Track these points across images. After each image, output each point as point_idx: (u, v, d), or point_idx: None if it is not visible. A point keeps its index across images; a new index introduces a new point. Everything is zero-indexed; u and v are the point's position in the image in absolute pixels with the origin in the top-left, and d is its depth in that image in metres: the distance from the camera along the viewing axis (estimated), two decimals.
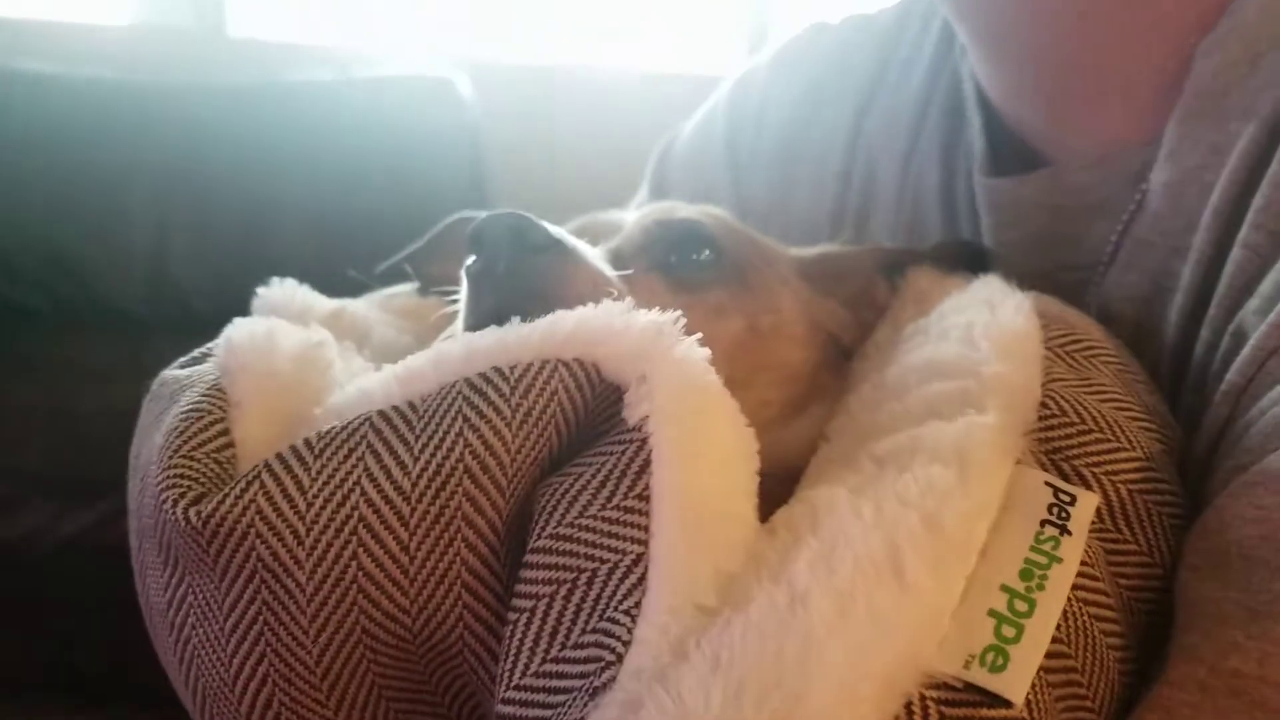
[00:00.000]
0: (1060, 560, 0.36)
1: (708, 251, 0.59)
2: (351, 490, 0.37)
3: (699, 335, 0.42)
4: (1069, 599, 0.36)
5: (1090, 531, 0.40)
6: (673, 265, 0.57)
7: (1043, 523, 0.37)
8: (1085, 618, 0.37)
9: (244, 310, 0.52)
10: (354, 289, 0.64)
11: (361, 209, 1.67)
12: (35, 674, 1.41)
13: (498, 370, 0.39)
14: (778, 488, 0.42)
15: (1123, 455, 0.43)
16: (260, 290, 0.54)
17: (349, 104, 1.77)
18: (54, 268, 1.70)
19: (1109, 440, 0.43)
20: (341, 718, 0.39)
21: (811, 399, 0.59)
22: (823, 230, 0.80)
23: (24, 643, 1.40)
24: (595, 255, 0.52)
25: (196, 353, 0.49)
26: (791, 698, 0.30)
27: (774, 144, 0.86)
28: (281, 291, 0.53)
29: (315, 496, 0.37)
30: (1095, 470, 0.42)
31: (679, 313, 0.42)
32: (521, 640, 0.36)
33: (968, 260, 0.66)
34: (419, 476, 0.37)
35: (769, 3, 2.00)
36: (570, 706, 0.34)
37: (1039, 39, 0.59)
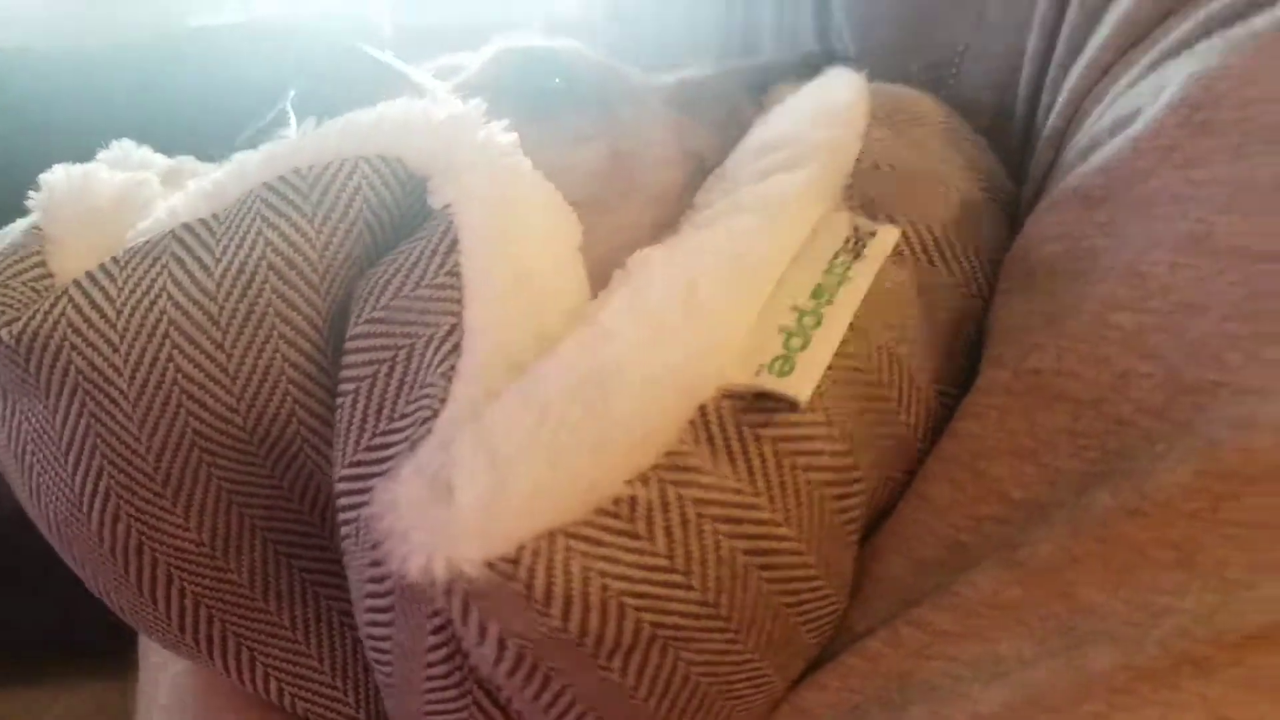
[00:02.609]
0: (850, 280, 0.37)
1: (558, 79, 0.58)
2: (159, 296, 0.38)
3: (505, 123, 0.42)
4: (869, 319, 0.38)
5: (902, 266, 0.42)
6: (524, 94, 0.57)
7: (837, 252, 0.38)
8: (888, 339, 0.39)
9: None
10: None
11: None
12: None
13: (295, 171, 0.40)
14: None
15: (937, 199, 0.44)
16: (100, 154, 0.53)
17: (260, 49, 1.71)
18: None
19: (924, 189, 0.45)
20: (194, 524, 0.40)
21: (680, 218, 0.59)
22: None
23: None
24: (431, 80, 0.52)
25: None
26: (592, 411, 0.32)
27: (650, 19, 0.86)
28: (119, 150, 0.53)
29: (124, 305, 0.38)
30: (909, 214, 0.43)
31: (481, 101, 0.42)
32: (349, 421, 0.38)
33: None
34: (222, 277, 0.38)
35: None
36: (395, 466, 0.35)
37: None
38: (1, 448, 0.42)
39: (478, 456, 0.31)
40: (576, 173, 0.52)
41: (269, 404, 0.39)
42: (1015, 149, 0.57)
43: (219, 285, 0.38)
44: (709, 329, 0.34)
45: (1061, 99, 0.49)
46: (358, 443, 0.37)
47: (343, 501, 0.37)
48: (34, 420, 0.39)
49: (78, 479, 0.39)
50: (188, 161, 0.56)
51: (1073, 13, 0.52)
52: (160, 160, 0.55)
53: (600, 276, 0.40)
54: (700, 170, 0.62)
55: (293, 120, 0.49)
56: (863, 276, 0.37)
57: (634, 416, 0.32)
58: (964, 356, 0.43)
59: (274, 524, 0.42)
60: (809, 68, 0.65)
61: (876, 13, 0.66)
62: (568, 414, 0.32)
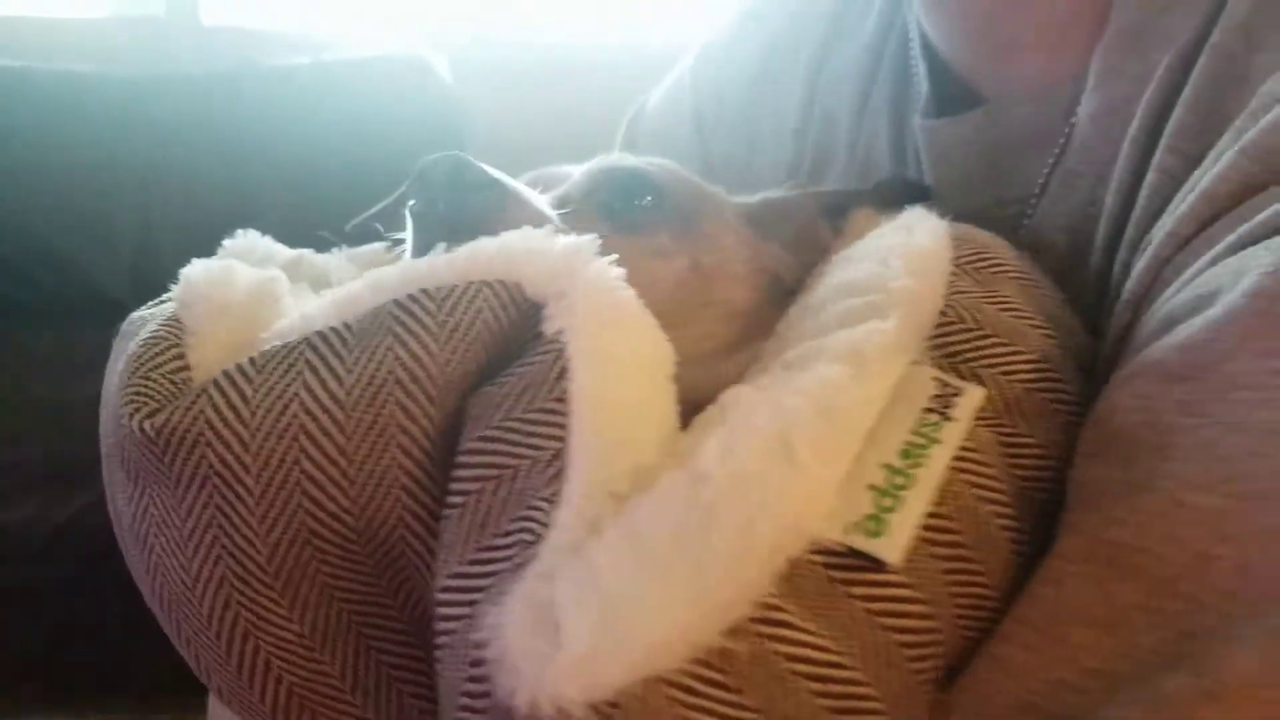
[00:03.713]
0: (939, 441, 0.39)
1: (650, 197, 0.62)
2: (291, 400, 0.41)
3: (616, 256, 0.45)
4: (954, 480, 0.39)
5: (985, 425, 0.43)
6: (615, 210, 0.60)
7: (926, 410, 0.40)
8: (971, 498, 0.40)
9: None
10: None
11: (344, 190, 1.70)
12: (29, 663, 1.42)
13: (424, 291, 0.43)
14: None
15: (1019, 357, 0.46)
16: (226, 242, 0.57)
17: (326, 87, 1.79)
18: (41, 261, 1.71)
19: (1005, 345, 0.46)
20: (295, 616, 0.43)
21: (754, 336, 0.62)
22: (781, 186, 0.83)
23: (18, 632, 1.42)
24: (534, 195, 0.55)
25: (164, 296, 0.53)
26: (692, 562, 0.34)
27: (736, 108, 0.89)
28: (245, 241, 0.57)
29: (258, 407, 0.40)
30: (990, 371, 0.45)
31: (595, 236, 0.45)
32: (455, 533, 0.40)
33: (908, 199, 0.68)
34: (353, 387, 0.41)
35: None
36: (497, 586, 0.37)
37: None
38: (125, 526, 0.45)
39: (585, 597, 0.33)
40: (659, 285, 0.55)
41: (380, 508, 0.41)
42: (1089, 297, 0.58)
43: (349, 394, 0.41)
44: (801, 483, 0.36)
45: (1141, 264, 0.51)
46: (461, 555, 0.39)
47: (444, 611, 0.39)
48: (161, 507, 0.42)
49: (195, 564, 0.42)
50: (308, 254, 0.60)
51: (1152, 176, 0.54)
52: (281, 250, 0.59)
53: (677, 386, 0.43)
54: (776, 287, 0.65)
55: (409, 225, 0.53)
56: (952, 439, 0.39)
57: (731, 567, 0.34)
58: (1042, 514, 0.44)
59: (368, 619, 0.45)
60: (886, 197, 0.68)
61: (955, 144, 0.68)
62: (672, 564, 0.34)
